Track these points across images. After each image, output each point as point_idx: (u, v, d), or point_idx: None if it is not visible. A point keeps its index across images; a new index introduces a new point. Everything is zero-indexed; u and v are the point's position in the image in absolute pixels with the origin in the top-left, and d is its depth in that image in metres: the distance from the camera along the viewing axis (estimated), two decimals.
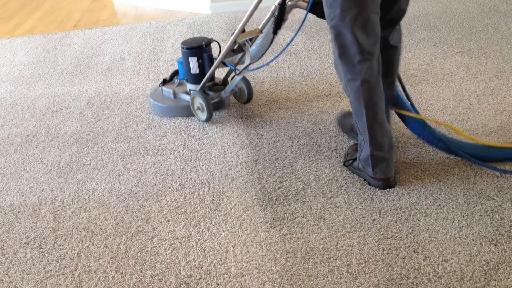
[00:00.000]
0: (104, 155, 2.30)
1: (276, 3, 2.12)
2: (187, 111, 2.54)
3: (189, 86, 2.55)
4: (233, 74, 2.50)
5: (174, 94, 2.60)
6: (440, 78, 2.77)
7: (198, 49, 2.44)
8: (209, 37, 2.55)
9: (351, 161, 2.02)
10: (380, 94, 1.84)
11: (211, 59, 2.48)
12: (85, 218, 1.90)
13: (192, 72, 2.48)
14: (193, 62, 2.46)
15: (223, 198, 1.94)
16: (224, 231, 1.77)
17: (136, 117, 2.62)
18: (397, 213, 1.79)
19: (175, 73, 2.70)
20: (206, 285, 1.56)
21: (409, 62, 2.98)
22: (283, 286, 1.54)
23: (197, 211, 1.89)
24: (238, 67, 2.45)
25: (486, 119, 2.32)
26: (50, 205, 1.99)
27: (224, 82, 2.62)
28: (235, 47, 2.35)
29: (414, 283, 1.51)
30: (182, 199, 1.96)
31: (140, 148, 2.33)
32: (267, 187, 1.99)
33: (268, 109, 2.58)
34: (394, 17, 1.90)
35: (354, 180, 1.99)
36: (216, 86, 2.58)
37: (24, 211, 1.97)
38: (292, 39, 2.11)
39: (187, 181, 2.07)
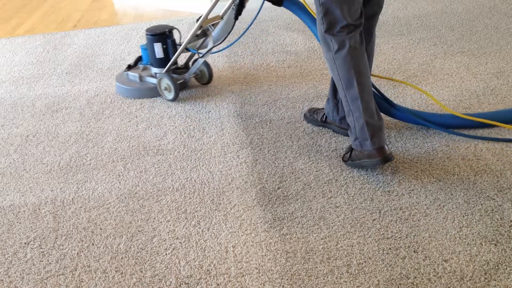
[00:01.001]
0: (104, 155, 2.30)
1: None
2: (153, 93, 2.80)
3: (154, 70, 2.80)
4: (195, 57, 2.82)
5: (140, 77, 2.84)
6: (440, 78, 2.76)
7: (162, 35, 2.71)
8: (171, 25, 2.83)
9: (348, 154, 2.05)
10: (366, 63, 1.95)
11: (174, 44, 2.77)
12: (85, 218, 1.90)
13: (157, 56, 2.74)
14: (158, 48, 2.72)
15: (223, 198, 1.94)
16: (224, 231, 1.77)
17: (136, 117, 2.62)
18: (397, 213, 1.79)
19: (139, 59, 2.94)
20: (206, 285, 1.56)
21: (409, 62, 2.98)
22: (283, 286, 1.54)
23: (197, 211, 1.89)
24: (201, 50, 2.72)
25: None
26: (50, 205, 1.99)
27: (186, 65, 2.87)
28: (198, 32, 2.64)
29: (414, 283, 1.51)
30: (182, 199, 1.96)
31: (140, 148, 2.33)
32: (267, 187, 1.99)
33: (268, 109, 2.58)
34: (371, 12, 2.02)
35: (354, 180, 1.99)
36: (179, 69, 2.83)
37: (24, 211, 1.98)
38: (251, 23, 2.40)
39: (187, 181, 2.07)
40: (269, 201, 1.91)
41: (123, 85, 2.84)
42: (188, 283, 1.58)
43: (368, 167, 2.00)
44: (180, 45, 2.72)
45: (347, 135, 2.25)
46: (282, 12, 4.06)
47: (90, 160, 2.28)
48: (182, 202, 1.94)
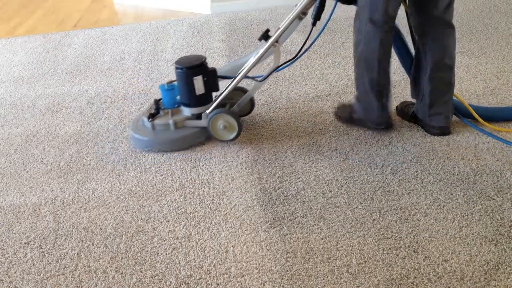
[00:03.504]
0: (104, 155, 2.30)
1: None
2: (197, 138, 2.30)
3: (192, 110, 2.29)
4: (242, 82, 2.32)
5: (176, 124, 2.28)
6: None
7: (201, 66, 2.24)
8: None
9: (348, 114, 2.32)
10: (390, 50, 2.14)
11: (215, 75, 2.28)
12: (85, 218, 1.90)
13: (197, 93, 2.25)
14: (199, 82, 2.23)
15: (223, 198, 1.94)
16: (224, 231, 1.77)
17: None
18: (397, 213, 1.79)
19: (158, 103, 2.36)
20: (206, 285, 1.56)
21: None
22: (283, 286, 1.54)
23: (197, 211, 1.89)
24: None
25: None
26: (50, 205, 1.99)
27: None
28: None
29: (414, 283, 1.51)
30: (182, 199, 1.96)
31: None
32: (267, 187, 1.99)
33: (268, 109, 2.58)
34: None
35: (354, 180, 1.99)
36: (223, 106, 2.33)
37: (24, 211, 1.98)
38: (320, 32, 2.26)
39: (187, 181, 2.07)
40: (269, 201, 1.91)
41: (147, 138, 2.29)
42: (188, 283, 1.58)
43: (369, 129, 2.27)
44: (227, 76, 2.31)
45: (436, 134, 2.22)
46: (282, 12, 4.05)
47: (90, 160, 2.28)
48: (182, 202, 1.94)
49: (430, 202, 1.84)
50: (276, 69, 2.21)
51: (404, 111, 2.37)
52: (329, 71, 2.96)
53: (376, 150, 2.16)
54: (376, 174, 2.01)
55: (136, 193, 2.02)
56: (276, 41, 2.18)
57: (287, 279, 1.56)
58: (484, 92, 2.57)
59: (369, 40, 2.07)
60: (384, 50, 2.09)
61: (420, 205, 1.83)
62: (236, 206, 1.90)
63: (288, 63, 2.27)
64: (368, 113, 2.22)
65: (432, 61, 2.13)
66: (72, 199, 2.02)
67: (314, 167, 2.09)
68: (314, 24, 2.14)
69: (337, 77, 2.86)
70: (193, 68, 2.22)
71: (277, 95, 2.72)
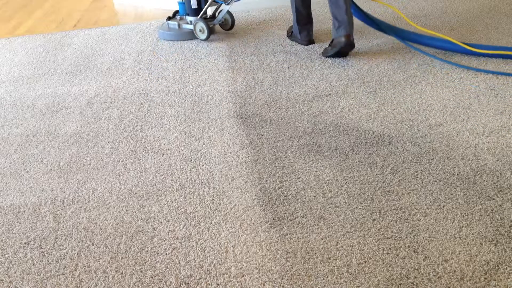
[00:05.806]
0: (104, 155, 2.30)
1: None
2: (188, 35, 3.64)
3: (190, 18, 3.63)
4: (222, 7, 3.56)
5: (179, 25, 3.67)
6: (440, 78, 2.76)
7: None
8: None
9: (290, 33, 3.43)
10: None
11: None
12: (85, 218, 1.90)
13: (192, 7, 3.58)
14: (193, 0, 3.56)
15: (223, 198, 1.94)
16: (224, 231, 1.78)
17: (136, 117, 2.62)
18: (397, 213, 1.79)
19: (176, 12, 3.73)
20: (206, 285, 1.56)
21: (409, 62, 2.98)
22: (283, 286, 1.54)
23: (197, 211, 1.89)
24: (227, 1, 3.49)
25: (486, 119, 2.32)
26: (50, 205, 2.00)
27: (213, 15, 3.62)
28: None
29: (414, 283, 1.51)
30: (182, 199, 1.96)
31: (140, 148, 2.33)
32: (267, 187, 1.99)
33: (268, 109, 2.58)
34: None
35: (354, 180, 1.99)
36: (207, 19, 3.60)
37: (24, 211, 1.98)
38: None
39: (187, 181, 2.07)
40: (269, 201, 1.91)
41: (166, 31, 3.69)
42: (188, 283, 1.58)
43: (299, 43, 3.28)
44: None
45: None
46: (282, 12, 4.05)
47: (90, 160, 2.28)
48: (182, 202, 1.95)
49: (430, 202, 1.84)
50: None
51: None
52: (329, 71, 2.96)
53: (376, 150, 2.16)
54: (376, 174, 2.01)
55: (136, 193, 2.02)
56: None
57: (287, 279, 1.56)
58: (484, 92, 2.57)
59: None
60: None
61: (420, 205, 1.83)
62: (236, 206, 1.90)
63: None
64: (296, 33, 3.34)
65: None
66: (72, 199, 2.02)
67: (314, 167, 2.09)
68: None
69: (337, 77, 2.86)
70: None
71: (277, 95, 2.73)
